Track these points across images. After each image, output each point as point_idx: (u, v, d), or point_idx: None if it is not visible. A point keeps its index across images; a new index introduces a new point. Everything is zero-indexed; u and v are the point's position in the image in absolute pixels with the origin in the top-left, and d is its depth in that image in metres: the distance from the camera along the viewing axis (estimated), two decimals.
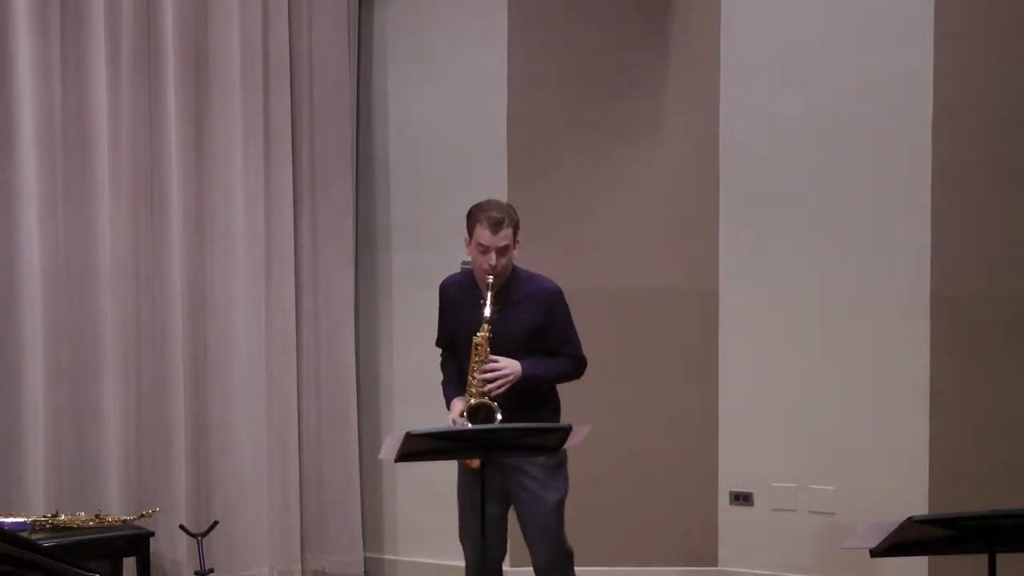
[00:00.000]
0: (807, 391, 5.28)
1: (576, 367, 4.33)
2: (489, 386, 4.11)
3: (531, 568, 4.35)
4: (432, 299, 5.69)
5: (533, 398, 4.23)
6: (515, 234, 4.19)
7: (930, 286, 5.07)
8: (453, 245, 5.63)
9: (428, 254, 5.69)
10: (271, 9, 5.41)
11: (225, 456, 5.22)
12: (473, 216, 4.20)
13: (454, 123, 5.64)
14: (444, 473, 5.17)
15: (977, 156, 5.03)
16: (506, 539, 4.38)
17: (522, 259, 5.40)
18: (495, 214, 4.14)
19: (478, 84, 5.58)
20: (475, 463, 4.12)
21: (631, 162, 5.49)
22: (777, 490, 5.36)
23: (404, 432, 3.76)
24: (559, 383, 4.33)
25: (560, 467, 4.27)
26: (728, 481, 5.43)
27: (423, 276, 5.70)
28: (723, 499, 5.44)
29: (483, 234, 4.12)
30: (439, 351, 4.55)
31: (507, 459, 4.12)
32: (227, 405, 5.23)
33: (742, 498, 5.41)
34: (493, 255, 4.12)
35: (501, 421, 4.06)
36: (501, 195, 5.49)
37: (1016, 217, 4.99)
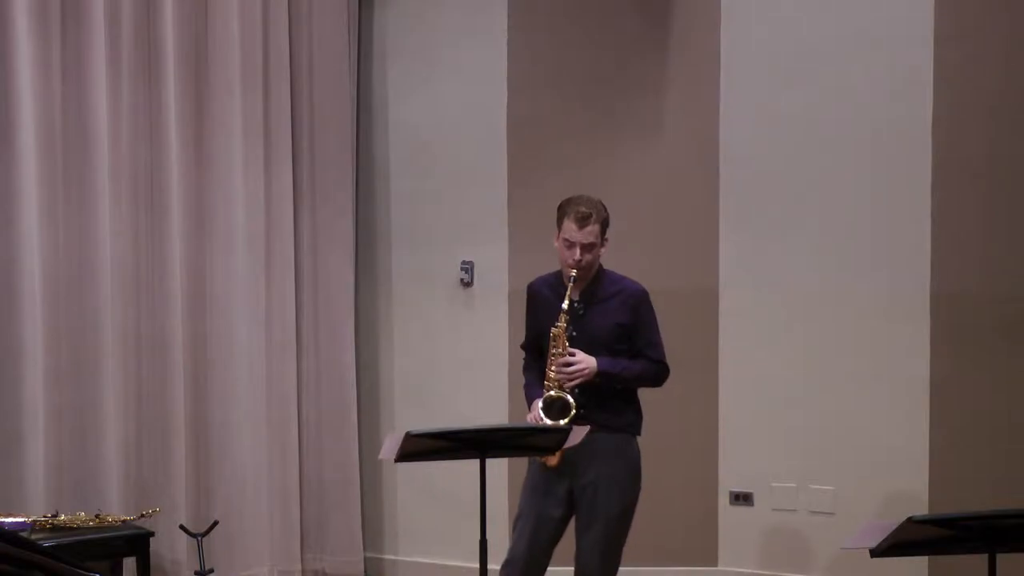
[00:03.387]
0: (807, 391, 5.28)
1: (658, 372, 4.23)
2: (562, 377, 4.06)
3: (570, 568, 4.25)
4: (432, 299, 5.72)
5: (617, 400, 4.17)
6: (603, 232, 4.13)
7: (930, 286, 5.07)
8: (453, 245, 5.66)
9: (428, 254, 5.69)
10: (271, 9, 5.41)
11: (225, 456, 5.23)
12: (562, 210, 4.15)
13: (454, 123, 5.64)
14: (444, 473, 5.18)
15: (977, 156, 5.03)
16: (555, 545, 4.23)
17: (524, 258, 5.42)
18: (583, 209, 4.09)
19: (478, 84, 5.58)
20: (552, 460, 4.09)
21: (631, 162, 5.49)
22: (777, 490, 5.36)
23: (404, 432, 3.76)
24: (638, 386, 4.24)
25: (632, 476, 4.20)
26: (728, 481, 5.43)
27: (423, 276, 5.72)
28: (723, 499, 5.44)
29: (569, 228, 4.08)
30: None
31: (579, 459, 4.06)
32: (227, 405, 5.23)
33: (742, 498, 5.41)
34: (577, 250, 4.07)
35: (578, 416, 4.01)
36: (501, 195, 5.51)
37: (1016, 217, 4.99)
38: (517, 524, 4.24)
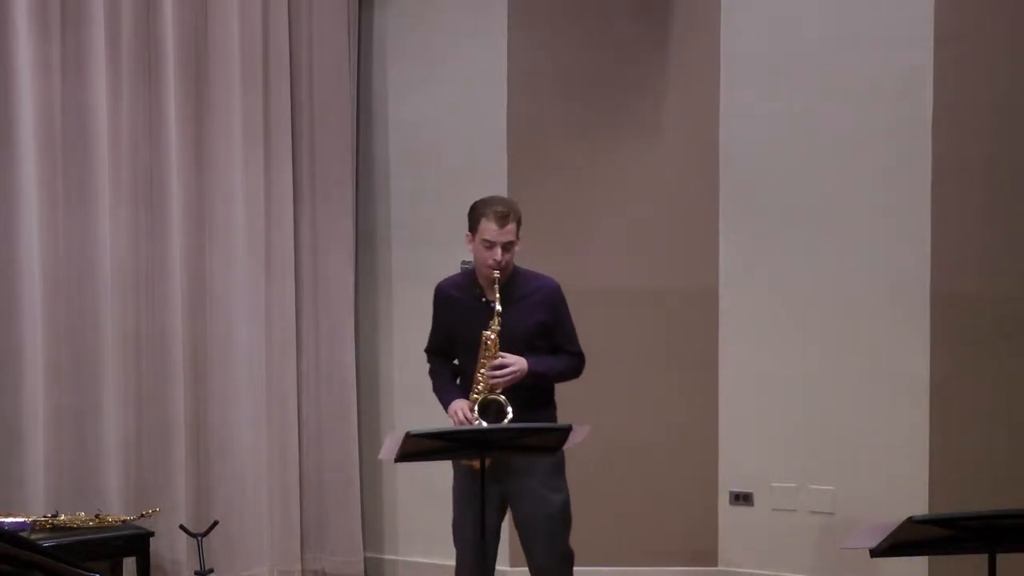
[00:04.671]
0: (807, 391, 5.28)
1: (578, 365, 4.30)
2: (496, 381, 4.08)
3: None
4: (432, 299, 5.71)
5: (539, 398, 4.22)
6: (518, 230, 4.16)
7: (930, 286, 5.07)
8: (453, 245, 5.63)
9: (428, 254, 5.69)
10: (271, 9, 5.41)
11: (225, 456, 5.23)
12: (477, 211, 4.15)
13: (454, 123, 5.64)
14: (444, 473, 5.16)
15: (977, 156, 5.03)
16: (497, 546, 4.29)
17: (523, 259, 5.42)
18: (500, 208, 4.10)
19: (478, 84, 5.58)
20: (476, 463, 4.12)
21: (631, 162, 5.49)
22: (777, 490, 5.36)
23: (404, 432, 3.76)
24: (561, 381, 4.30)
25: (560, 469, 4.24)
26: (728, 481, 5.43)
27: (423, 276, 5.69)
28: (723, 499, 5.44)
29: (489, 228, 4.09)
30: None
31: (508, 462, 4.10)
32: (227, 405, 5.23)
33: (742, 498, 5.42)
34: (499, 250, 4.08)
35: (511, 419, 4.04)
36: (501, 195, 5.50)
37: (1016, 217, 4.99)
38: (457, 534, 4.27)
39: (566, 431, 3.87)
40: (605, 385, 5.41)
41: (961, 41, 5.00)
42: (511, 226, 4.10)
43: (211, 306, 5.21)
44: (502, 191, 5.51)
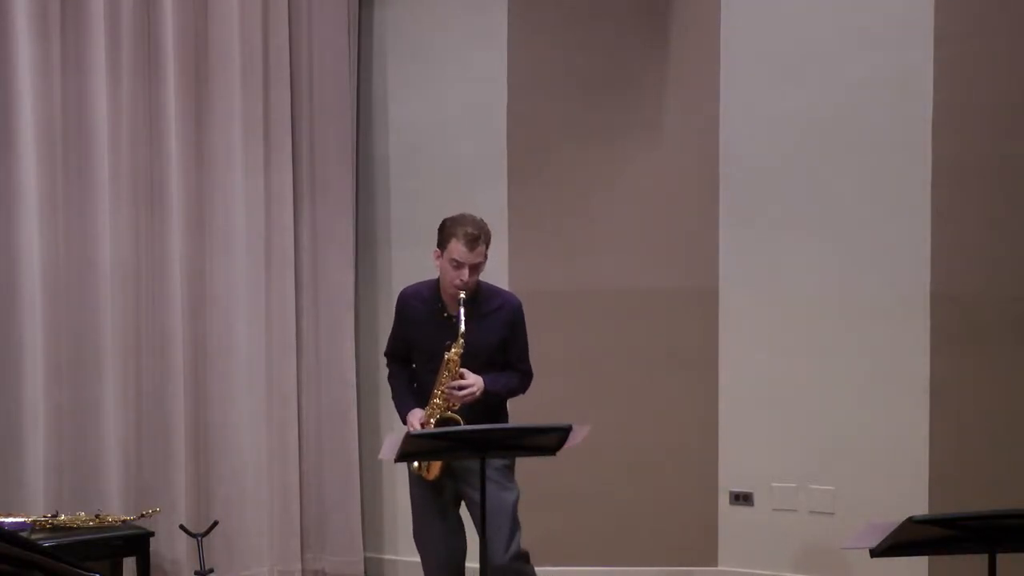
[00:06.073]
0: (807, 391, 5.28)
1: (526, 383, 4.35)
2: (454, 398, 4.12)
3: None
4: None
5: (491, 408, 4.25)
6: (487, 250, 4.19)
7: (930, 286, 5.07)
8: None
9: (428, 254, 5.67)
10: (271, 9, 5.41)
11: (225, 456, 5.23)
12: (448, 230, 4.18)
13: (454, 123, 5.64)
14: None
15: (977, 156, 5.03)
16: (465, 547, 4.37)
17: (524, 258, 5.42)
18: (471, 230, 4.12)
19: (478, 84, 5.58)
20: (432, 474, 4.17)
21: (631, 162, 5.49)
22: (777, 490, 5.36)
23: (404, 432, 3.76)
24: (509, 398, 4.35)
25: (511, 468, 4.29)
26: (728, 481, 5.43)
27: (423, 276, 5.69)
28: (723, 499, 5.44)
29: (459, 249, 4.12)
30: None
31: (464, 463, 4.14)
32: (227, 405, 5.23)
33: (742, 498, 5.41)
34: (466, 271, 4.12)
35: None
36: (501, 195, 5.52)
37: (1016, 217, 4.99)
38: (419, 540, 4.34)
39: (566, 431, 3.87)
40: (605, 385, 5.42)
41: (961, 41, 5.00)
42: (481, 248, 4.14)
43: (211, 306, 5.21)
44: (502, 191, 5.52)
